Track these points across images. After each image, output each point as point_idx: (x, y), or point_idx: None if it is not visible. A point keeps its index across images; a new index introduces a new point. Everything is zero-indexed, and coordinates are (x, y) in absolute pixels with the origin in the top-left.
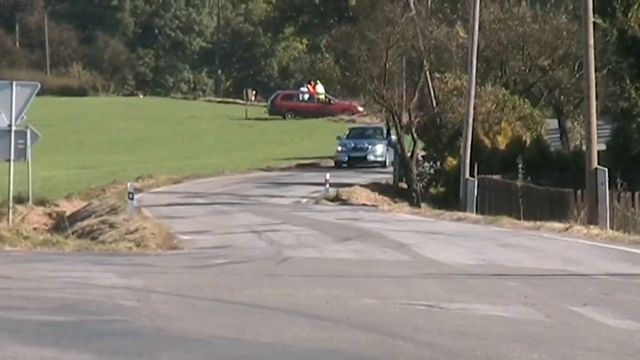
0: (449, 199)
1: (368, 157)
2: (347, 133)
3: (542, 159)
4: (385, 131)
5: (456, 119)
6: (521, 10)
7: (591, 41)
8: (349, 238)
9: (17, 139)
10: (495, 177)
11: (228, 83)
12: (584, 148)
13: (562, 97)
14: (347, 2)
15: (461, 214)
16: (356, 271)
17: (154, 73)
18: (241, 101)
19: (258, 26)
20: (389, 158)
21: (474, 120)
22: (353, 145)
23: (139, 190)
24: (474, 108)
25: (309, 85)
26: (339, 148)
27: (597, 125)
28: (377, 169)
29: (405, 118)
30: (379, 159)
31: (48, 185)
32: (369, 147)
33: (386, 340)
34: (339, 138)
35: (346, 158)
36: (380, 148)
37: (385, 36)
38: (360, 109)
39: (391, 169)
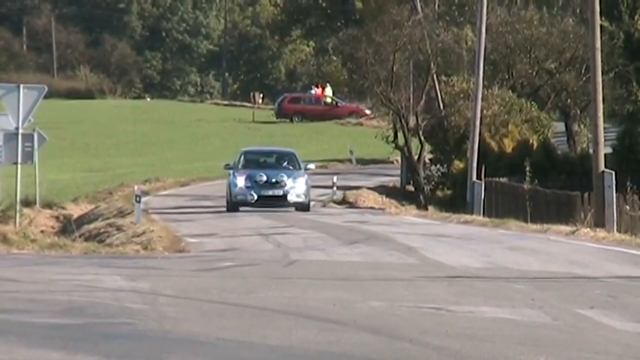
0: (456, 202)
1: (288, 196)
2: (239, 157)
3: (549, 162)
4: (297, 158)
5: (461, 122)
6: (529, 13)
7: (598, 44)
8: (356, 241)
9: (24, 142)
10: (502, 180)
11: (235, 86)
12: (591, 151)
13: (569, 100)
14: (354, 5)
15: (468, 217)
16: (363, 273)
17: (161, 76)
18: (248, 104)
19: (266, 29)
20: (308, 197)
21: (480, 123)
22: (264, 178)
23: (146, 193)
24: (481, 111)
25: (317, 88)
26: (240, 182)
27: (604, 128)
28: (384, 172)
29: (412, 121)
30: (301, 199)
31: (55, 188)
32: (288, 181)
33: (393, 342)
34: (229, 167)
35: (255, 197)
36: (302, 183)
37: (392, 39)
38: (367, 112)
39: (398, 171)
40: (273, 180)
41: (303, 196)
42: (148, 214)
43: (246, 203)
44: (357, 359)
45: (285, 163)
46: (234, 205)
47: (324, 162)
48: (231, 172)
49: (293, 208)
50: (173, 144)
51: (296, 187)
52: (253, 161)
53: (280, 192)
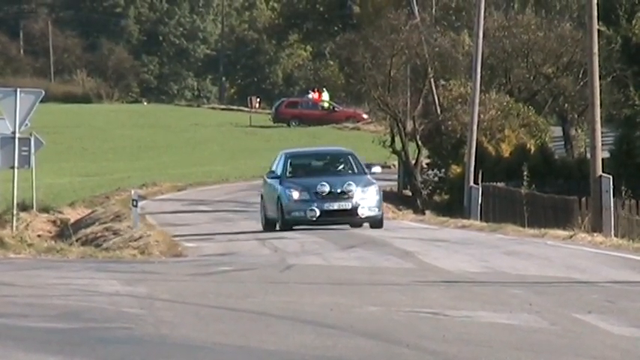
0: (453, 206)
1: (359, 209)
2: (282, 163)
3: (546, 166)
4: (357, 159)
5: (459, 127)
6: (526, 17)
7: (596, 49)
8: (353, 246)
9: (21, 146)
10: (499, 184)
11: (232, 90)
12: (588, 155)
13: (566, 105)
14: (351, 10)
15: (465, 221)
16: (360, 278)
17: (158, 81)
18: (245, 108)
19: (263, 33)
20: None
21: (478, 127)
22: (327, 188)
23: (142, 198)
24: (478, 115)
25: (314, 93)
26: (295, 195)
27: (601, 133)
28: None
29: (409, 126)
30: (374, 213)
31: (52, 192)
32: (356, 190)
33: (390, 347)
34: (273, 175)
35: (317, 213)
36: (373, 193)
37: (389, 43)
38: (365, 116)
39: (396, 175)
40: (339, 190)
41: (376, 209)
42: (145, 219)
43: (304, 221)
44: None
45: (343, 167)
46: (286, 223)
47: None
48: (275, 181)
49: (365, 224)
50: (170, 148)
51: (367, 198)
52: (302, 167)
53: (349, 205)
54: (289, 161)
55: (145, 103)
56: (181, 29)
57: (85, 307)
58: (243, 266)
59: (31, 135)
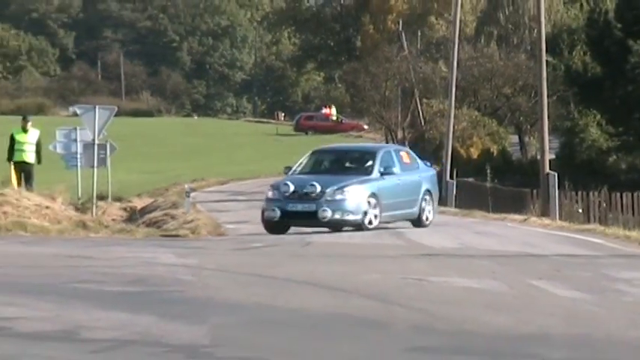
0: None
1: (320, 213)
2: (306, 157)
3: (506, 166)
4: (391, 156)
5: (438, 135)
6: (490, 49)
7: (544, 74)
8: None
9: (99, 151)
10: (469, 180)
11: (262, 107)
12: (539, 157)
13: (521, 118)
14: (355, 44)
15: (443, 208)
16: (363, 252)
17: (205, 99)
18: (273, 121)
19: (286, 63)
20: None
21: (452, 135)
22: (290, 188)
23: (193, 190)
24: (453, 126)
25: (326, 108)
26: (269, 194)
27: (549, 140)
28: None
29: (400, 134)
30: (337, 216)
31: (123, 186)
32: (328, 191)
33: (387, 306)
34: (286, 171)
35: (277, 214)
36: (354, 195)
37: (384, 70)
38: (365, 127)
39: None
40: (304, 191)
41: (351, 214)
42: (195, 206)
43: (271, 221)
44: (360, 319)
45: (367, 165)
46: (265, 223)
47: None
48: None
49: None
50: (215, 151)
51: (341, 201)
52: (318, 163)
53: (313, 207)
54: (312, 156)
55: (195, 117)
56: (223, 59)
57: (149, 275)
58: (272, 243)
59: (106, 142)
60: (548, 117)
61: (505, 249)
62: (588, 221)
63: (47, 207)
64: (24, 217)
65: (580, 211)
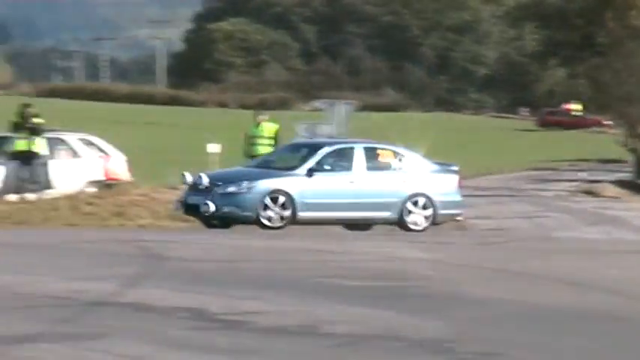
0: None
1: (202, 207)
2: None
3: None
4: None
5: None
6: None
7: None
8: (598, 223)
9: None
10: None
11: (504, 102)
12: None
13: None
14: (597, 40)
15: None
16: (604, 248)
17: (447, 94)
18: (514, 116)
19: (529, 59)
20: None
21: None
22: (190, 179)
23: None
24: None
25: (567, 104)
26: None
27: None
28: (621, 169)
29: None
30: (244, 214)
31: None
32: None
33: (629, 302)
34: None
35: (183, 209)
36: (256, 189)
37: (628, 66)
38: (606, 123)
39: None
40: (196, 182)
41: (237, 208)
42: None
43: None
44: (601, 314)
45: (295, 161)
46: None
47: (573, 161)
48: None
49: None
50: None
51: (228, 195)
52: (275, 156)
53: (202, 200)
54: (279, 150)
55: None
56: (467, 55)
57: (389, 269)
58: (511, 238)
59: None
60: None
61: None
62: None
63: None
64: None
65: None
